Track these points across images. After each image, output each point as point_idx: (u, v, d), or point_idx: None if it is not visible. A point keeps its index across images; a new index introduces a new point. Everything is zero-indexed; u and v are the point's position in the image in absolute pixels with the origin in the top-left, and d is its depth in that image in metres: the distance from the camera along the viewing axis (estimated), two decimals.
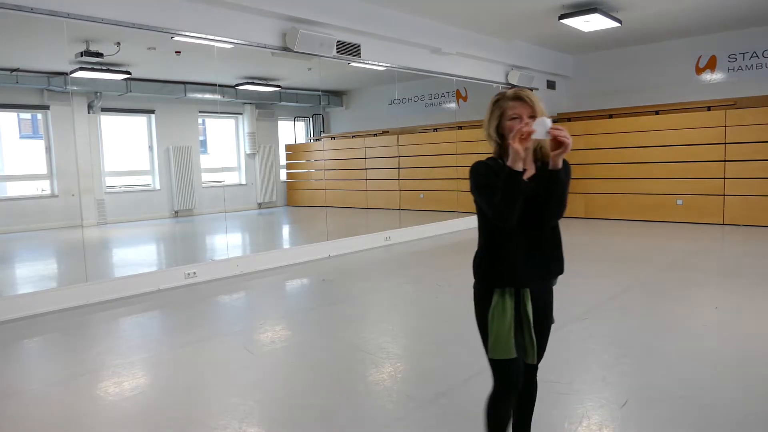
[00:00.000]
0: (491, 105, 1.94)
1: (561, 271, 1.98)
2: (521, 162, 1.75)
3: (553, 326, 2.07)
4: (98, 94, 10.59)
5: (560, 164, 1.81)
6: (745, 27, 8.87)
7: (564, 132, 1.73)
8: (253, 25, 6.02)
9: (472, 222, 9.69)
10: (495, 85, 9.75)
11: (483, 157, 2.02)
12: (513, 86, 10.13)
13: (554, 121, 11.60)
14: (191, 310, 4.91)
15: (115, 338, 4.19)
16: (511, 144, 1.75)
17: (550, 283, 2.01)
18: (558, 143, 1.77)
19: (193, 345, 3.85)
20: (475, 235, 2.03)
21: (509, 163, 1.76)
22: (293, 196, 14.21)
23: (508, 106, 1.88)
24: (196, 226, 11.11)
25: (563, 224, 1.93)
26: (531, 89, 10.20)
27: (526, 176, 1.79)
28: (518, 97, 1.88)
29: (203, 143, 13.30)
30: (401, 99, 12.58)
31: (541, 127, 1.74)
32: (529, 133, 1.73)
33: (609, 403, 2.74)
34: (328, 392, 2.99)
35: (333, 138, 14.11)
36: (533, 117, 1.83)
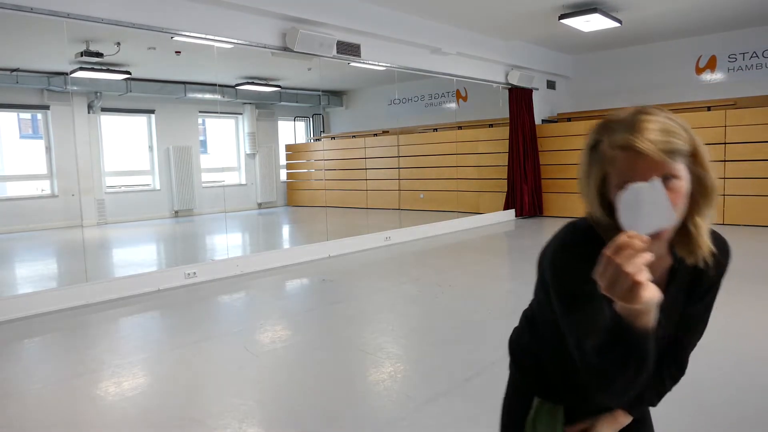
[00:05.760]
0: (587, 149, 1.02)
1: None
2: (651, 313, 0.85)
3: None
4: (98, 94, 10.59)
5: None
6: (745, 27, 8.87)
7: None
8: (253, 25, 6.02)
9: (472, 222, 9.71)
10: (495, 85, 9.75)
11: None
12: (513, 86, 10.18)
13: (553, 122, 11.49)
14: (191, 310, 4.91)
15: (115, 338, 4.19)
16: (607, 292, 0.83)
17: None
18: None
19: (193, 345, 3.85)
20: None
21: (624, 312, 0.85)
22: (293, 196, 14.21)
23: (609, 161, 0.96)
24: (196, 226, 11.11)
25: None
26: (532, 89, 10.29)
27: (646, 297, 0.82)
28: (629, 146, 0.92)
29: (203, 143, 13.30)
30: (401, 99, 12.58)
31: (647, 210, 0.85)
32: (641, 260, 0.81)
33: None
34: (328, 392, 2.99)
35: (333, 138, 14.11)
36: (668, 178, 0.91)
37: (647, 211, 0.84)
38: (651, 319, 0.85)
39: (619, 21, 7.65)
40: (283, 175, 14.04)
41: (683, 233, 0.99)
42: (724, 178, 8.70)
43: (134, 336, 4.22)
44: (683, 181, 0.94)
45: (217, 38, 5.84)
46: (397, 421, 2.64)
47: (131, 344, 3.97)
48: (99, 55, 7.99)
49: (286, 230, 10.88)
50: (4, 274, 6.83)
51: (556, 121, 10.78)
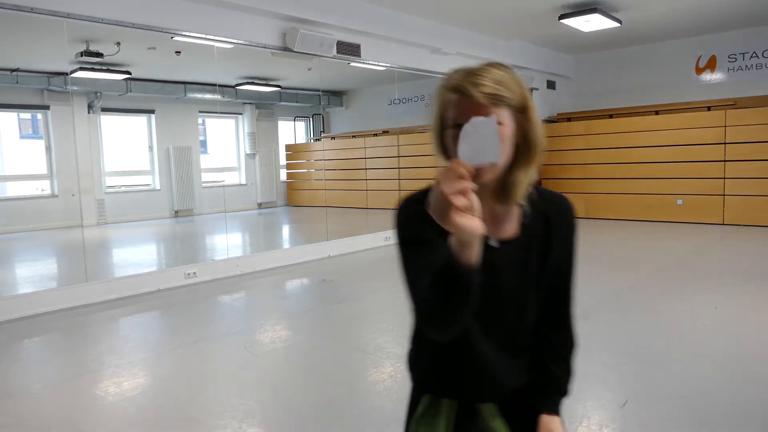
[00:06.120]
0: (434, 94, 1.07)
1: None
2: (473, 247, 0.88)
3: None
4: (98, 94, 10.59)
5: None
6: (745, 27, 8.87)
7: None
8: (253, 25, 6.02)
9: None
10: None
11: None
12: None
13: (553, 122, 11.43)
14: (191, 310, 4.91)
15: (115, 338, 4.19)
16: (432, 213, 0.87)
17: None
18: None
19: (193, 345, 3.85)
20: None
21: (453, 246, 0.88)
22: (293, 196, 14.20)
23: (445, 104, 1.03)
24: (196, 226, 11.11)
25: None
26: (531, 90, 10.26)
27: (469, 229, 0.85)
28: (457, 89, 0.99)
29: (203, 143, 13.29)
30: (401, 99, 12.57)
31: (478, 144, 0.88)
32: (465, 177, 0.84)
33: (609, 403, 2.73)
34: (328, 392, 2.99)
35: (333, 138, 14.10)
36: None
37: (479, 144, 0.89)
38: (474, 254, 0.89)
39: (619, 21, 7.65)
40: (283, 175, 14.04)
41: (505, 184, 1.05)
42: (724, 178, 8.71)
43: (134, 336, 4.22)
44: (507, 128, 1.00)
45: (217, 38, 5.84)
46: (397, 421, 2.63)
47: (131, 344, 3.97)
48: (99, 55, 7.99)
49: (286, 230, 10.88)
50: (4, 274, 6.83)
51: (556, 121, 10.78)
